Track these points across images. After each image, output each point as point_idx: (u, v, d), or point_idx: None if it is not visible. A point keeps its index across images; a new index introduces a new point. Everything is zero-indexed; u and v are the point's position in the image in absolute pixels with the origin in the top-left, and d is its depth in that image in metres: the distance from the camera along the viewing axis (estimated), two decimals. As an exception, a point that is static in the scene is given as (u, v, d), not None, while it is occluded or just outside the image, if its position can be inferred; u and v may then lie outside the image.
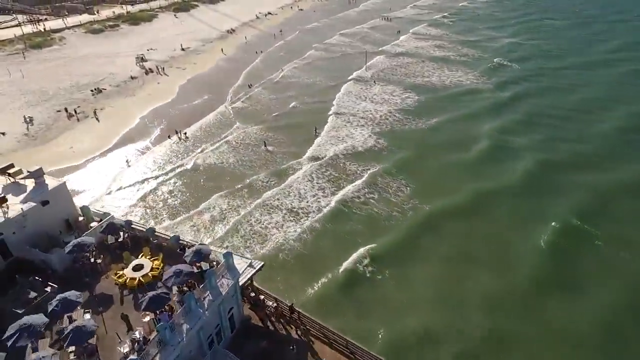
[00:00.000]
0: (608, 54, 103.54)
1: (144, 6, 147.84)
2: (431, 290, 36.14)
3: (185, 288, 24.19)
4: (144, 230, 29.59)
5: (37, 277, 25.53)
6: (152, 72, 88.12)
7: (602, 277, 37.36)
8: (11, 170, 30.13)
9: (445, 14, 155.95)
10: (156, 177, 53.58)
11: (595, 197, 48.46)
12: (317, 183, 51.72)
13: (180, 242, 28.62)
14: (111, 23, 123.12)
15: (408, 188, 50.82)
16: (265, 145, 59.91)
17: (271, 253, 39.93)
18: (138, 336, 21.29)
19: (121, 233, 28.76)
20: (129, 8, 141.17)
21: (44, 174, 29.88)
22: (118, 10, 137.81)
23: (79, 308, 23.27)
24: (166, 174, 54.17)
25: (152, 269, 25.78)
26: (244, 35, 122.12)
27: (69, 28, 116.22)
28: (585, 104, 75.31)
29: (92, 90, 77.13)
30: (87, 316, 23.06)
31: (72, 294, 22.51)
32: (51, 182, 29.54)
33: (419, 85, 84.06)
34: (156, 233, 29.50)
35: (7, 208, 26.57)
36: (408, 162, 56.50)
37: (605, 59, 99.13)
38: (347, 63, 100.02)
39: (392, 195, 49.43)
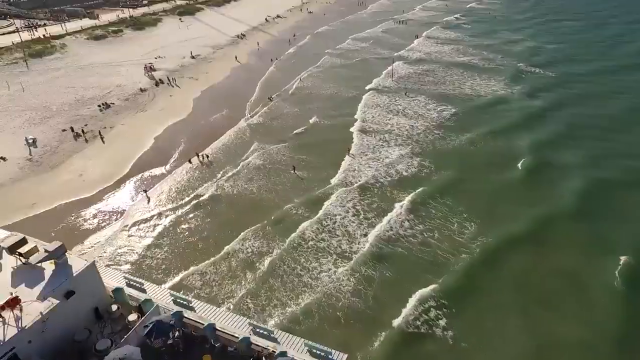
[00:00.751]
0: (636, 57, 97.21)
1: (146, 10, 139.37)
2: (513, 346, 30.26)
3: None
4: (201, 326, 22.47)
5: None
6: (162, 83, 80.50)
7: None
8: (24, 249, 22.18)
9: (457, 16, 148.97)
10: (175, 210, 46.30)
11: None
12: (356, 212, 44.86)
13: (254, 345, 21.41)
14: (114, 28, 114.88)
15: (459, 216, 44.39)
16: (294, 170, 52.78)
17: (319, 304, 33.41)
18: None
19: (170, 333, 21.45)
20: (132, 12, 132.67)
21: (66, 251, 22.33)
22: (119, 14, 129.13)
23: None
24: (186, 204, 46.84)
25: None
26: (254, 40, 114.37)
27: (70, 34, 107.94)
28: (628, 112, 68.89)
29: (99, 106, 69.51)
30: None
31: None
32: (76, 263, 21.93)
33: (449, 95, 77.12)
34: (217, 331, 22.37)
35: (21, 311, 19.33)
36: (453, 185, 49.88)
37: (636, 63, 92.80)
38: (364, 70, 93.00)
39: (442, 225, 42.91)
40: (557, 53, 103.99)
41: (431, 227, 42.51)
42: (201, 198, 47.95)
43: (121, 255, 39.79)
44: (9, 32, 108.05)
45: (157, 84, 79.65)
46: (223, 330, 22.67)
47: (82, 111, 68.26)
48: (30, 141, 58.04)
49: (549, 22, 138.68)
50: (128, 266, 38.24)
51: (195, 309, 24.36)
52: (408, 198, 46.98)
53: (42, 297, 19.89)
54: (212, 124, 66.09)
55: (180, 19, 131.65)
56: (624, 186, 49.48)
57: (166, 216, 45.45)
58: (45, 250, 21.38)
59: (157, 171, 53.58)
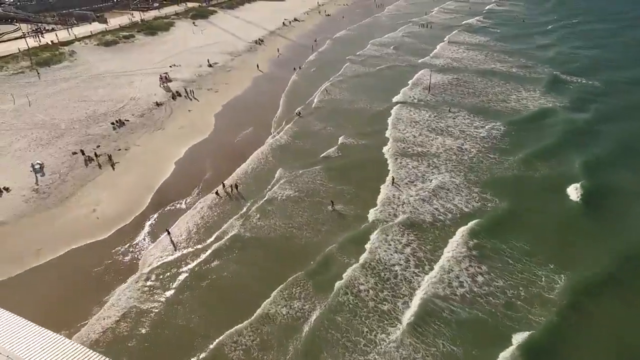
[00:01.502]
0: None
1: (157, 13, 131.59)
2: None
3: None
4: None
5: None
6: (179, 95, 72.93)
7: None
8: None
9: (479, 18, 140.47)
10: (199, 254, 38.82)
11: None
12: (413, 259, 37.58)
13: None
14: (125, 33, 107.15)
15: (527, 253, 37.91)
16: (332, 206, 45.01)
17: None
18: None
19: None
20: (143, 15, 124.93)
21: None
22: (130, 17, 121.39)
23: None
24: (211, 247, 39.39)
25: None
26: (273, 46, 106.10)
27: (79, 40, 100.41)
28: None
29: (112, 123, 62.08)
30: None
31: None
32: None
33: (492, 109, 69.08)
34: None
35: None
36: (513, 218, 42.85)
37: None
38: (389, 79, 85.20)
39: (510, 265, 36.44)
40: (593, 58, 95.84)
41: (504, 277, 35.27)
42: (229, 238, 40.57)
43: (138, 325, 32.47)
44: (15, 38, 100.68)
45: (174, 97, 72.09)
46: None
47: (94, 129, 60.88)
48: (37, 167, 50.76)
49: (576, 24, 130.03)
50: (145, 343, 30.85)
51: None
52: (468, 237, 39.73)
53: None
54: (237, 145, 58.49)
55: (194, 22, 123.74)
56: None
57: (189, 263, 38.06)
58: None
59: (179, 205, 46.17)
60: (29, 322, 21.93)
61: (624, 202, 45.51)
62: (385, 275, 36.10)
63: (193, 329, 31.70)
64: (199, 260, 38.37)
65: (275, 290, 34.58)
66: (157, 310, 33.27)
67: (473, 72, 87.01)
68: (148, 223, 43.11)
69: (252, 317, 32.28)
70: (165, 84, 76.89)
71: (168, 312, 33.16)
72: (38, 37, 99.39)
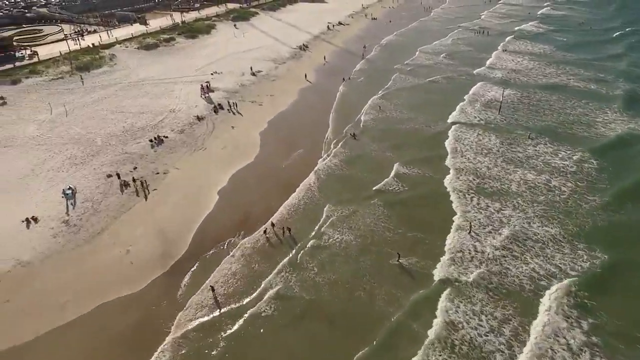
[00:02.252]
0: None
1: (198, 15, 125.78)
2: None
3: None
4: None
5: None
6: (222, 108, 66.13)
7: None
8: None
9: (534, 23, 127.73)
10: (241, 316, 32.00)
11: None
12: (492, 326, 29.69)
13: None
14: (166, 36, 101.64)
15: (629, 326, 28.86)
16: (398, 259, 37.00)
17: None
18: None
19: None
20: (184, 16, 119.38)
21: None
22: (170, 18, 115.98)
23: None
24: (252, 306, 32.47)
25: None
26: (318, 52, 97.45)
27: (119, 42, 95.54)
28: None
29: (150, 140, 55.91)
30: None
31: None
32: None
33: (579, 135, 58.15)
34: None
35: None
36: (615, 276, 34.39)
37: None
38: (441, 93, 75.77)
39: (609, 342, 28.00)
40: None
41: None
42: (277, 296, 33.55)
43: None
44: (57, 40, 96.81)
45: (215, 110, 65.34)
46: None
47: (131, 147, 54.84)
48: (69, 193, 44.94)
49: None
50: None
51: None
52: (570, 308, 31.28)
53: None
54: (285, 172, 50.94)
55: (234, 25, 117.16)
56: None
57: (231, 326, 31.14)
58: None
59: (222, 247, 39.18)
60: None
61: None
62: (457, 346, 28.15)
63: None
64: (240, 322, 31.51)
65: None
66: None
67: (543, 88, 76.25)
68: (188, 272, 36.27)
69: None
70: (207, 95, 70.33)
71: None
72: (78, 39, 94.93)
